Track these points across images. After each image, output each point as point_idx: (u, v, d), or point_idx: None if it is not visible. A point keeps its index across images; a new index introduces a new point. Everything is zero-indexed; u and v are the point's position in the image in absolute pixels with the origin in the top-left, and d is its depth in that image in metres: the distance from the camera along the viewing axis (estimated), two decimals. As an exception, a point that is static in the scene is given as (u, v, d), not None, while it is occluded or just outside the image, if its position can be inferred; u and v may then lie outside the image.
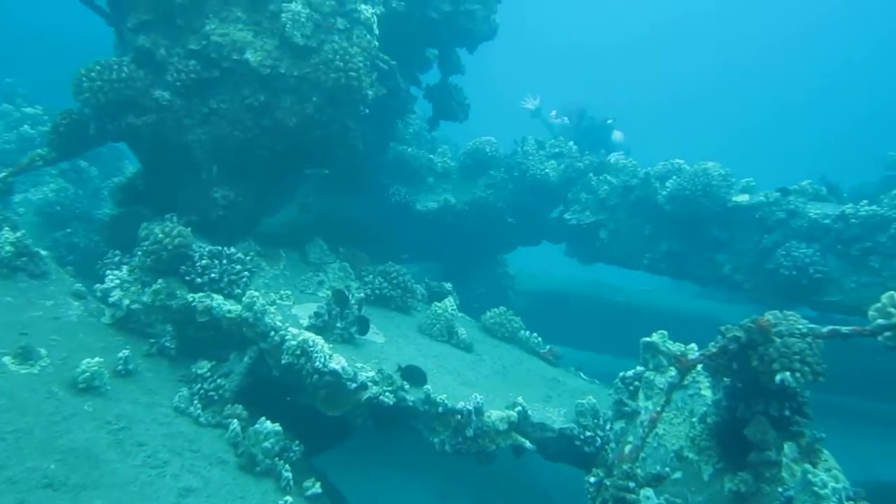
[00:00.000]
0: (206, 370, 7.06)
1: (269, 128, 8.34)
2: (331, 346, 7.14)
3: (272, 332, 7.11)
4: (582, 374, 9.05)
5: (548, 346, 9.40)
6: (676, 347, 6.70)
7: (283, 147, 8.56)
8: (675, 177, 10.95)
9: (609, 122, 14.82)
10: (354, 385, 6.80)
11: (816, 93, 49.97)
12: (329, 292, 8.30)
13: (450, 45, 10.79)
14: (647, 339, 6.80)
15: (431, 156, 13.46)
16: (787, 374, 4.69)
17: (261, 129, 8.33)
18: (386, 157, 12.39)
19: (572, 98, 15.59)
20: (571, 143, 12.91)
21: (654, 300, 17.38)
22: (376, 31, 8.46)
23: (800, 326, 4.93)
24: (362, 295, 8.46)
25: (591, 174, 12.21)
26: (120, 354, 6.65)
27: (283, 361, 6.96)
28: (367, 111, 8.41)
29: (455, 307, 9.02)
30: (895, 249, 9.50)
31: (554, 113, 15.40)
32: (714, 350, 5.25)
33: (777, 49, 50.31)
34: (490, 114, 18.87)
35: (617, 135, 14.86)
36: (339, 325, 7.78)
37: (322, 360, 6.80)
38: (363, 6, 8.28)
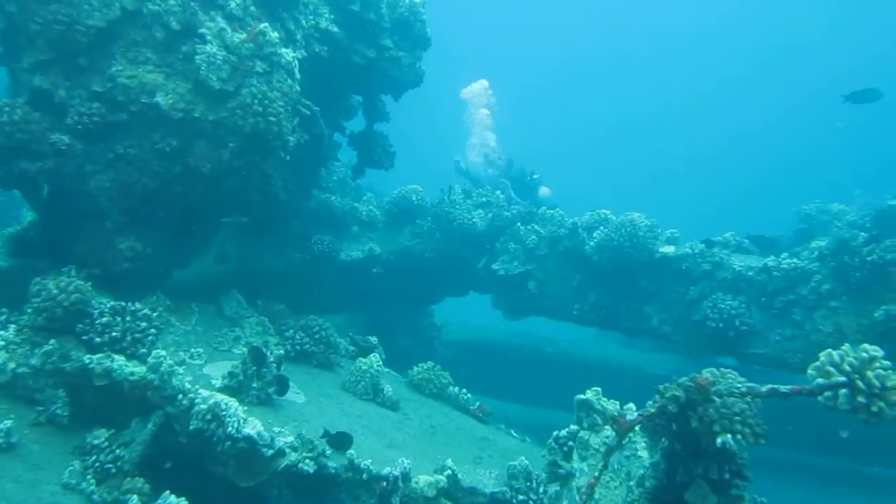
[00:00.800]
0: (102, 440, 6.36)
1: (182, 174, 7.83)
2: (246, 408, 6.61)
3: (180, 395, 6.53)
4: (513, 432, 8.73)
5: (477, 403, 9.05)
6: (611, 405, 6.49)
7: (196, 195, 8.06)
8: (602, 227, 10.95)
9: (535, 177, 14.77)
10: (271, 452, 6.27)
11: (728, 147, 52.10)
12: (245, 349, 7.75)
13: (375, 91, 10.58)
14: (582, 396, 6.56)
15: (356, 204, 13.13)
16: (729, 436, 4.48)
17: (172, 175, 7.81)
18: (309, 205, 11.96)
19: (499, 150, 15.54)
20: (499, 192, 12.83)
21: (582, 351, 17.32)
22: (298, 76, 8.14)
23: (738, 385, 4.75)
24: (282, 351, 7.93)
25: (518, 224, 12.11)
26: (1, 425, 5.92)
27: (191, 427, 6.36)
28: (289, 158, 8.02)
29: (381, 363, 8.58)
30: (816, 302, 9.61)
31: (496, 155, 15.03)
32: (653, 410, 5.02)
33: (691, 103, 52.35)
34: (412, 164, 18.64)
35: (543, 190, 14.84)
36: (255, 385, 7.23)
37: (235, 424, 6.25)
38: (284, 49, 7.96)
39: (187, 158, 7.78)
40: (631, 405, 5.73)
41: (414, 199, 12.85)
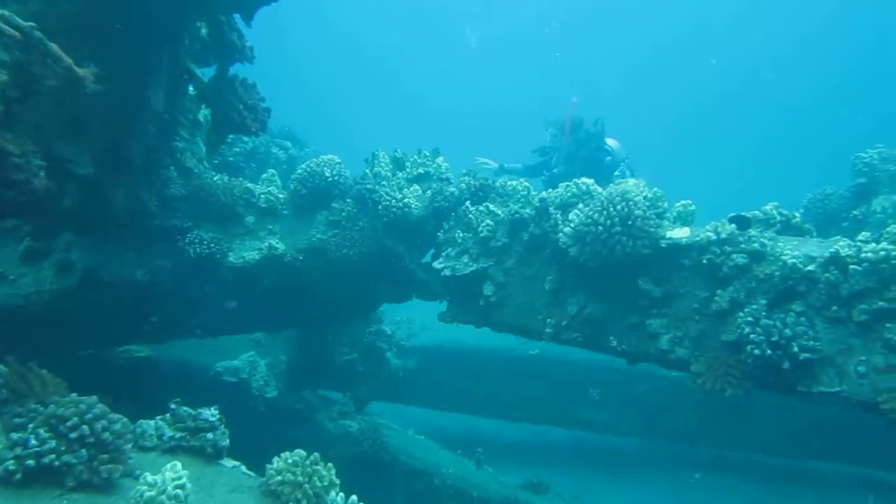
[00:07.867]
0: None
1: None
2: None
3: None
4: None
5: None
6: None
7: None
8: (581, 204, 7.24)
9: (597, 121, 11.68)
10: None
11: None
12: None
13: (222, 11, 6.78)
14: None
15: (250, 185, 9.47)
16: None
17: None
18: (166, 174, 8.34)
19: (563, 110, 12.18)
20: (440, 159, 9.12)
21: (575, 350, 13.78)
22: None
23: None
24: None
25: (467, 203, 8.41)
26: None
27: None
28: None
29: (184, 480, 4.84)
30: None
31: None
32: None
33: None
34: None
35: (611, 142, 11.68)
36: None
37: None
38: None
39: None
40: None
41: (328, 174, 9.18)
